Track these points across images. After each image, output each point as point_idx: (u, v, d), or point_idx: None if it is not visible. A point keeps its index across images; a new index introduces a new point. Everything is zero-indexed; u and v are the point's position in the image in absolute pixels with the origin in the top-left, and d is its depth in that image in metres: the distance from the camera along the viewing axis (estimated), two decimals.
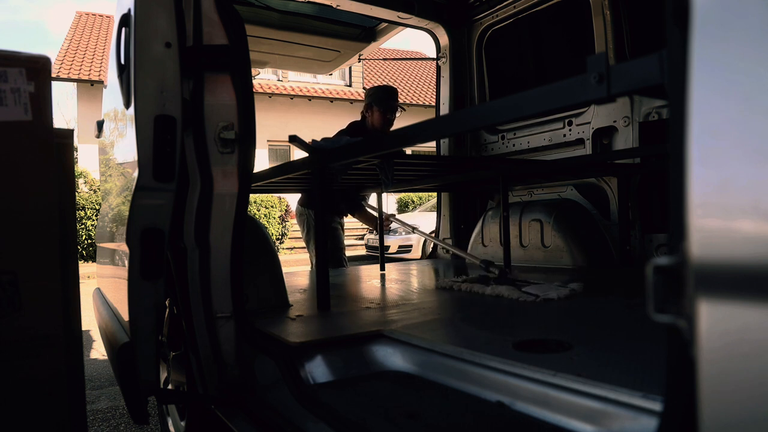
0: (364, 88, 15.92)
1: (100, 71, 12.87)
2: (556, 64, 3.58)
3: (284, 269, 2.17)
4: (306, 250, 4.19)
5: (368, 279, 3.02)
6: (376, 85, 3.77)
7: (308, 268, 4.30)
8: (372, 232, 10.51)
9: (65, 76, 12.55)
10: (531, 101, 0.99)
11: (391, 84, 17.08)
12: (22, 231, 1.19)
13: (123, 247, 1.54)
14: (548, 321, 1.68)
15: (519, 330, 1.53)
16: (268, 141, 14.37)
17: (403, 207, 14.88)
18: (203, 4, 1.49)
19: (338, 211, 3.85)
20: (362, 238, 12.30)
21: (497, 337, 1.43)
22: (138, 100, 1.39)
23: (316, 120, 14.58)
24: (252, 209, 11.63)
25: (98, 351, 3.82)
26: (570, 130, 3.26)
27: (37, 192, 1.21)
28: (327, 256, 2.12)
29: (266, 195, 11.63)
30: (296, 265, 9.31)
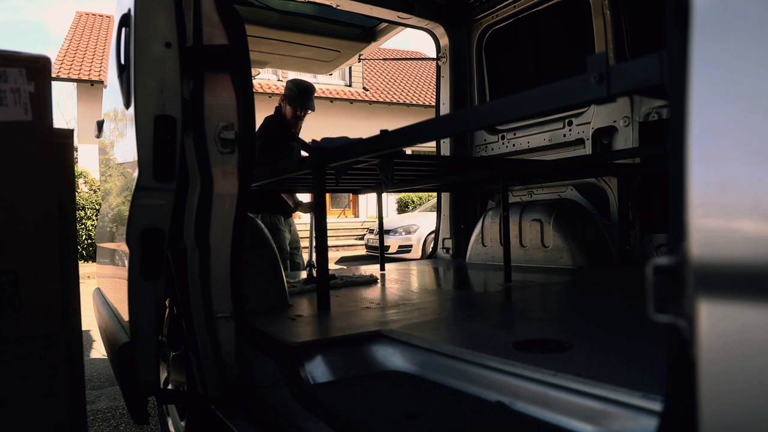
0: (364, 88, 15.93)
1: (100, 71, 12.87)
2: (556, 64, 3.58)
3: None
4: None
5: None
6: (295, 79, 3.84)
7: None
8: (372, 232, 10.51)
9: (65, 76, 12.54)
10: (531, 101, 0.99)
11: (391, 84, 17.11)
12: (22, 231, 1.19)
13: (123, 247, 1.54)
14: (548, 321, 1.68)
15: (519, 330, 1.53)
16: None
17: (403, 207, 14.88)
18: (203, 4, 1.49)
19: (284, 210, 3.76)
20: (362, 238, 12.30)
21: (497, 337, 1.43)
22: (138, 100, 1.39)
23: (317, 120, 14.55)
24: None
25: (98, 351, 3.82)
26: (570, 130, 3.26)
27: (37, 192, 1.21)
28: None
29: None
30: None
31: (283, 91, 3.75)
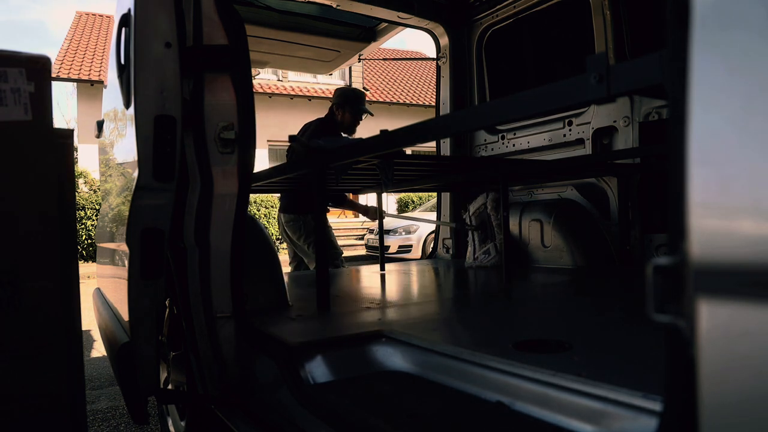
0: (364, 88, 15.91)
1: (100, 71, 12.87)
2: (556, 64, 3.58)
3: (284, 269, 2.17)
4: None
5: (368, 279, 3.02)
6: (346, 87, 3.83)
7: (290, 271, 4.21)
8: (372, 232, 10.51)
9: (65, 76, 12.55)
10: (531, 101, 0.99)
11: (391, 84, 17.10)
12: (22, 231, 1.19)
13: (123, 247, 1.54)
14: (548, 321, 1.68)
15: (519, 330, 1.53)
16: (268, 141, 14.37)
17: (403, 207, 14.88)
18: (203, 4, 1.49)
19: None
20: (362, 238, 12.30)
21: (497, 337, 1.43)
22: (138, 100, 1.39)
23: None
24: (252, 209, 11.62)
25: (98, 351, 3.82)
26: (570, 130, 3.26)
27: (37, 192, 1.21)
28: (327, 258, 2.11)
29: (266, 195, 11.63)
30: None
31: (332, 100, 3.70)
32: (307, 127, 3.69)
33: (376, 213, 3.91)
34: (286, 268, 3.88)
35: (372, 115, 3.75)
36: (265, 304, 1.97)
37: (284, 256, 4.17)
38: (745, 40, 0.48)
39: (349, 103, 3.61)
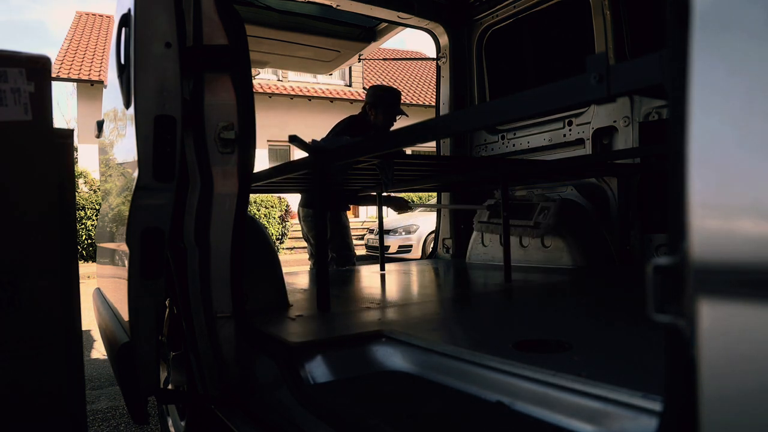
0: (364, 88, 15.89)
1: (100, 71, 12.87)
2: (556, 64, 3.58)
3: (284, 269, 2.17)
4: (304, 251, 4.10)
5: (368, 279, 3.02)
6: (381, 85, 3.61)
7: (309, 267, 4.22)
8: (372, 232, 10.50)
9: (65, 76, 12.55)
10: (531, 101, 0.99)
11: (391, 84, 17.08)
12: (22, 231, 1.19)
13: (123, 247, 1.54)
14: (548, 321, 1.68)
15: (519, 330, 1.53)
16: (268, 141, 14.37)
17: None
18: (203, 4, 1.49)
19: (344, 207, 3.80)
20: (362, 238, 12.30)
21: (497, 337, 1.43)
22: (138, 100, 1.39)
23: (316, 120, 14.56)
24: (252, 209, 11.62)
25: (98, 351, 3.82)
26: (570, 130, 3.26)
27: (37, 192, 1.21)
28: (326, 255, 2.11)
29: (266, 195, 11.63)
30: (296, 265, 9.31)
31: (366, 99, 3.57)
32: (337, 125, 3.59)
33: (402, 204, 3.84)
34: (289, 268, 3.88)
35: (407, 116, 3.45)
36: (265, 304, 1.97)
37: (286, 257, 4.17)
38: (746, 40, 0.48)
39: (383, 104, 3.45)
